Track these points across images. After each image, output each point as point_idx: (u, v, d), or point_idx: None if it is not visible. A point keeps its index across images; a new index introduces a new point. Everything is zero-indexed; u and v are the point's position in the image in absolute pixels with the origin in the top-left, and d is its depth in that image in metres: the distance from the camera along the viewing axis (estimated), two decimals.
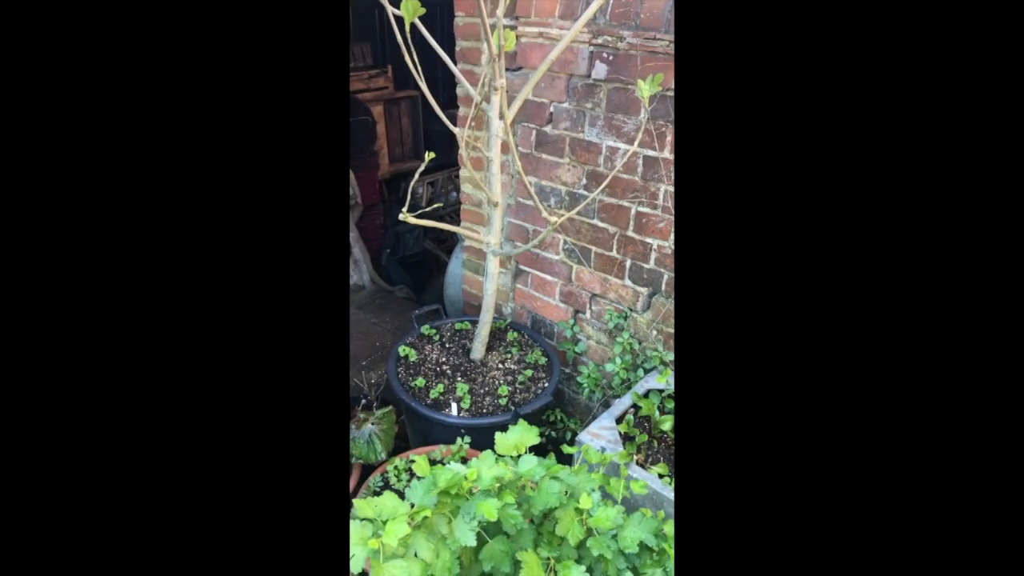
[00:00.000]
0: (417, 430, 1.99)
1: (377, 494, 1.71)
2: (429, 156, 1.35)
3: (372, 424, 1.70)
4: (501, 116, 1.66)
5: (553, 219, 1.44)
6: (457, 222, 5.02)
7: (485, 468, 0.92)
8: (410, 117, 5.11)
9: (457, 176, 4.98)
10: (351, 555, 0.82)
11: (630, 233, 1.97)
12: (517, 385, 2.01)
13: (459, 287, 3.02)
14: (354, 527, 0.84)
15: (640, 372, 2.06)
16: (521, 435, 1.00)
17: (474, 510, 0.88)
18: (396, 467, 1.74)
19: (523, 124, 2.11)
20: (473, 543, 0.88)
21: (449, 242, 4.76)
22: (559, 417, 2.27)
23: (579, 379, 2.16)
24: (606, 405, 2.15)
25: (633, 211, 1.93)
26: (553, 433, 2.26)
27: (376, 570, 0.82)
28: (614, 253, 2.04)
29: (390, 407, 1.76)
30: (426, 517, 0.86)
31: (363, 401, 2.08)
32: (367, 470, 1.77)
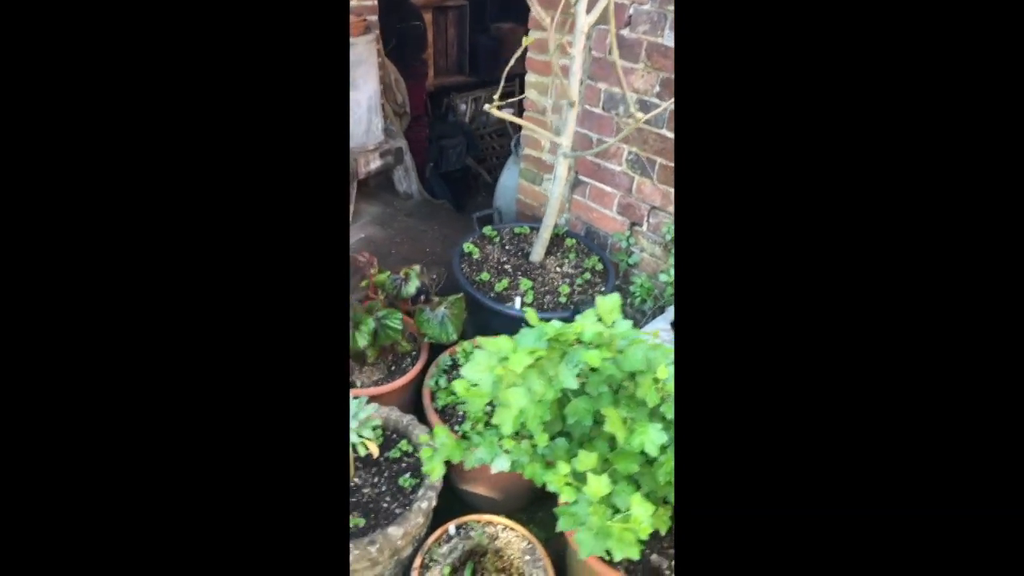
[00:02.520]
0: (478, 322, 2.11)
1: (447, 372, 1.85)
2: (528, 40, 1.37)
3: (444, 308, 1.81)
4: (588, 10, 1.66)
5: (640, 115, 1.47)
6: (499, 143, 4.96)
7: (588, 324, 1.02)
8: (457, 28, 4.98)
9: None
10: (478, 381, 0.93)
11: None
12: (575, 287, 2.10)
13: (509, 198, 3.07)
14: (482, 356, 0.95)
15: None
16: (614, 303, 1.09)
17: (578, 358, 0.98)
18: (464, 349, 1.87)
19: (599, 27, 2.09)
20: (575, 386, 0.99)
21: (488, 161, 4.76)
22: None
23: (632, 288, 2.25)
24: (658, 312, 2.24)
25: None
26: None
27: (504, 395, 0.94)
28: None
29: (461, 294, 1.87)
30: (540, 357, 0.97)
31: (422, 296, 2.19)
32: (436, 350, 1.90)
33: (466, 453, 1.21)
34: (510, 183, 3.18)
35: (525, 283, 2.02)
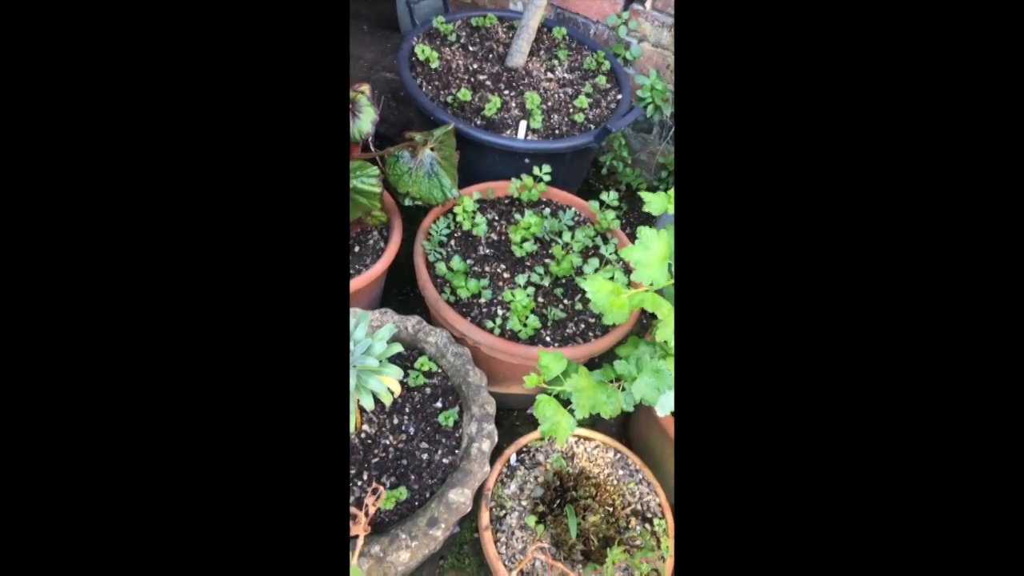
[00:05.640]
0: (460, 163, 1.48)
1: (443, 244, 1.26)
2: None
3: (431, 149, 1.16)
4: None
5: None
6: None
7: None
8: None
9: None
10: None
11: None
12: (590, 99, 1.51)
13: None
14: None
15: None
16: None
17: None
18: (464, 208, 1.27)
19: None
20: None
21: None
22: (621, 143, 1.84)
23: (640, 92, 1.70)
24: None
25: None
26: (615, 162, 1.85)
27: None
28: None
29: (450, 125, 1.21)
30: None
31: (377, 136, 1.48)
32: (413, 214, 1.29)
33: (612, 396, 0.73)
34: None
35: (532, 99, 1.38)
